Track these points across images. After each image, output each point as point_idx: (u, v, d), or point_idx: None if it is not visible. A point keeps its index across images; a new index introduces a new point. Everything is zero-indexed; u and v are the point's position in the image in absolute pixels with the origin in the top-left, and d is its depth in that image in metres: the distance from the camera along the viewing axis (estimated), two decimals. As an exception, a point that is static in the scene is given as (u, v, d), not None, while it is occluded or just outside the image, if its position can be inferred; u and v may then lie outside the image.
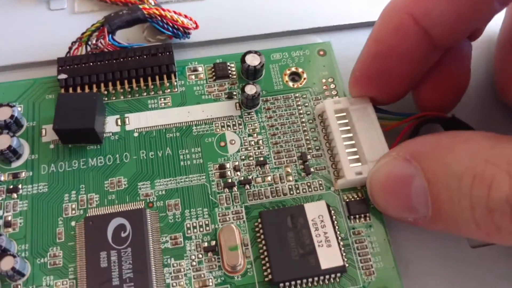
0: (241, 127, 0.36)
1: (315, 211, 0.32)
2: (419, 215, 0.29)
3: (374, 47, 0.33)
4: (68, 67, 0.36)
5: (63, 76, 0.36)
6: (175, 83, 0.37)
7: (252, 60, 0.36)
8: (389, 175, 0.30)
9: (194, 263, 0.32)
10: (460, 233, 0.29)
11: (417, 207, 0.29)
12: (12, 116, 0.34)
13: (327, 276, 0.31)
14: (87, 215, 0.32)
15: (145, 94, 0.37)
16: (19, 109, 0.36)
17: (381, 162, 0.31)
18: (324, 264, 0.31)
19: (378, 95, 0.34)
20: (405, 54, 0.32)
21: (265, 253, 0.31)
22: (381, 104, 0.35)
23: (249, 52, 0.37)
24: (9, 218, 0.33)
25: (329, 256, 0.31)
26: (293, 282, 0.31)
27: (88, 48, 0.37)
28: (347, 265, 0.31)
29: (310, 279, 0.31)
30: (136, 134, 0.35)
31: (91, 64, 0.36)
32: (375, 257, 0.32)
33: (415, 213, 0.29)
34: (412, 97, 0.36)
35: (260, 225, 0.32)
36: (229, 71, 0.38)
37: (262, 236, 0.32)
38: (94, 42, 0.37)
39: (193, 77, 0.38)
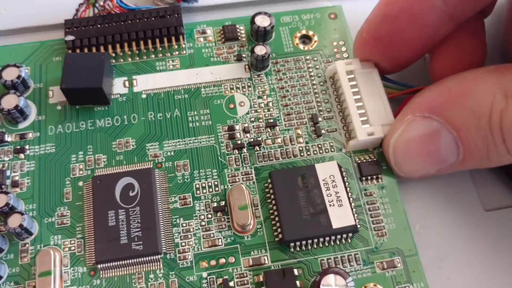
0: (250, 89, 0.35)
1: (326, 171, 0.32)
2: (447, 164, 0.30)
3: (384, 9, 0.32)
4: (75, 29, 0.36)
5: (70, 37, 0.36)
6: (184, 45, 0.37)
7: (262, 21, 0.36)
8: (415, 138, 0.30)
9: (203, 223, 0.31)
10: (491, 165, 0.30)
11: (447, 158, 0.30)
12: (19, 77, 0.34)
13: (338, 236, 0.30)
14: (95, 175, 0.32)
15: (153, 56, 0.36)
16: (26, 70, 0.35)
17: (399, 128, 0.31)
18: (336, 224, 0.30)
19: (383, 60, 0.34)
20: (415, 17, 0.31)
21: (275, 213, 0.31)
22: (384, 71, 0.35)
23: (259, 13, 0.36)
24: (17, 178, 0.32)
25: (340, 215, 0.30)
26: (303, 242, 0.30)
27: (96, 10, 0.37)
28: (358, 225, 0.31)
29: (321, 239, 0.30)
30: (144, 96, 0.35)
31: (99, 26, 0.36)
32: (387, 218, 0.32)
33: (443, 164, 0.30)
34: (429, 74, 0.35)
35: (270, 185, 0.32)
36: (238, 34, 0.37)
37: (272, 196, 0.31)
38: (101, 4, 0.36)
39: (201, 39, 0.37)
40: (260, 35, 0.36)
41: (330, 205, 0.31)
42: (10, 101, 0.33)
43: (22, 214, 0.30)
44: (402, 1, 0.31)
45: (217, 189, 0.32)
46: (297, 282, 0.29)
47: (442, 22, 0.31)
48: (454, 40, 0.33)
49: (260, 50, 0.35)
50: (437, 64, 0.34)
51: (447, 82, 0.30)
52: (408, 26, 0.31)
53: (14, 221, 0.30)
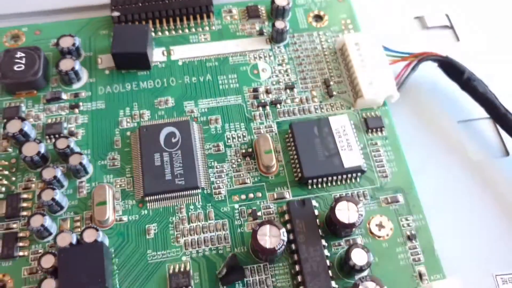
0: (271, 58, 0.41)
1: (338, 122, 0.37)
2: None
3: None
4: (120, 7, 0.42)
5: (116, 13, 0.41)
6: (213, 22, 0.42)
7: (281, 1, 0.42)
8: None
9: (234, 166, 0.37)
10: None
11: None
12: (74, 44, 0.39)
13: (349, 175, 0.36)
14: (141, 125, 0.37)
15: (187, 30, 0.42)
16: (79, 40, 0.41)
17: None
18: (347, 164, 0.36)
19: None
20: None
21: (295, 157, 0.36)
22: None
23: (278, -6, 0.42)
24: (73, 129, 0.38)
25: (350, 157, 0.36)
26: (319, 179, 0.36)
27: (137, -8, 0.43)
28: (366, 168, 0.36)
29: (334, 177, 0.36)
30: (180, 63, 0.41)
31: (140, 4, 0.42)
32: (390, 163, 0.37)
33: None
34: None
35: (290, 135, 0.37)
36: (260, 13, 0.43)
37: (292, 143, 0.37)
38: (142, -14, 0.42)
39: (228, 17, 0.43)
40: (279, 13, 0.42)
41: (341, 149, 0.36)
42: (67, 64, 0.38)
43: (81, 154, 0.35)
44: None
45: (245, 139, 0.38)
46: (315, 211, 0.34)
47: None
48: None
49: (280, 24, 0.40)
50: None
51: None
52: None
53: (75, 160, 0.35)
